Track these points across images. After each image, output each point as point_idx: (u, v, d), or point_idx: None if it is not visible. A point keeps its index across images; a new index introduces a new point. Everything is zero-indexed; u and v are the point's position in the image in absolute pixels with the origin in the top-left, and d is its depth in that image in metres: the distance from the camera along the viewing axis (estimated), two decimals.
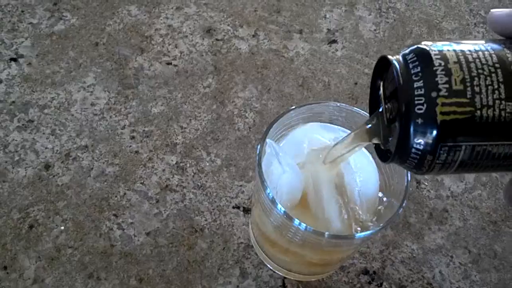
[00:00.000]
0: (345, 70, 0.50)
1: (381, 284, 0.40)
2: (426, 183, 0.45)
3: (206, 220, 0.40)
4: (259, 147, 0.32)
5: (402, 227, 0.42)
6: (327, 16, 0.54)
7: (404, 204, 0.31)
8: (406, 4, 0.56)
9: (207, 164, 0.43)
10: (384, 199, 0.34)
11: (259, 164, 0.32)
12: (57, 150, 0.42)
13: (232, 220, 0.41)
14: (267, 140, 0.32)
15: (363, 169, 0.34)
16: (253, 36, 0.51)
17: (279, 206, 0.31)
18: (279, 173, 0.32)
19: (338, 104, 0.36)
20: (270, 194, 0.31)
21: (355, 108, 0.35)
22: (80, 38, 0.48)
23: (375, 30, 0.54)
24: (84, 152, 0.42)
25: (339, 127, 0.36)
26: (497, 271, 0.42)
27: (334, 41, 0.52)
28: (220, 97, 0.47)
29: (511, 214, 0.44)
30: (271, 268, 0.39)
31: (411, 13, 0.55)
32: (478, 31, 0.55)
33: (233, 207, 0.41)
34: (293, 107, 0.34)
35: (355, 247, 0.36)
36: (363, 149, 0.34)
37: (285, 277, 0.39)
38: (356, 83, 0.50)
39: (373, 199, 0.34)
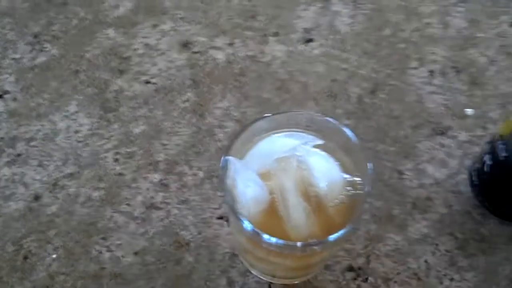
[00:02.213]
0: (323, 68, 0.51)
1: (367, 279, 0.40)
2: (408, 173, 0.45)
3: (191, 233, 0.42)
4: (222, 165, 0.33)
5: (385, 220, 0.43)
6: (302, 15, 0.54)
7: (367, 200, 0.32)
8: None
9: (190, 178, 0.44)
10: (350, 189, 0.35)
11: (224, 182, 0.33)
12: (45, 181, 0.44)
13: (217, 231, 0.42)
14: (228, 157, 0.33)
15: (327, 173, 0.35)
16: (230, 44, 0.52)
17: (246, 223, 0.32)
18: (243, 188, 0.33)
19: (299, 112, 0.36)
20: (237, 212, 0.32)
21: (315, 114, 0.36)
22: (61, 68, 0.50)
23: (351, 23, 0.54)
24: (71, 179, 0.44)
25: (302, 133, 0.37)
26: (485, 255, 0.42)
27: (311, 40, 0.52)
28: (200, 110, 0.48)
29: None
30: (256, 274, 0.40)
31: (387, 1, 0.55)
32: (457, 10, 0.54)
33: (217, 218, 0.42)
34: (253, 121, 0.35)
35: (331, 248, 0.36)
36: (325, 152, 0.35)
37: (271, 282, 0.40)
38: (334, 80, 0.50)
39: (340, 194, 0.35)
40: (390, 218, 0.43)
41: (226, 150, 0.33)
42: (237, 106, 0.48)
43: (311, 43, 0.52)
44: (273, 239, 0.32)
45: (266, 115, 0.35)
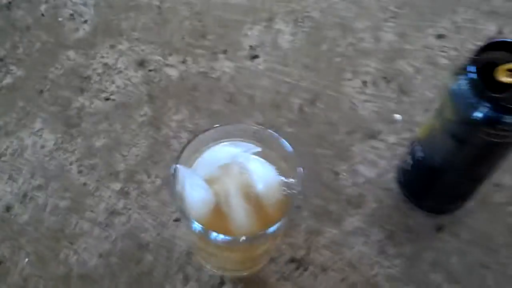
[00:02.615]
0: (268, 82, 0.56)
1: (307, 268, 0.46)
2: (343, 174, 0.51)
3: (151, 235, 0.47)
4: (172, 172, 0.38)
5: (323, 216, 0.49)
6: (249, 33, 0.60)
7: (299, 197, 0.38)
8: (320, 12, 0.62)
9: (149, 185, 0.49)
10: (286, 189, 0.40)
11: (174, 188, 0.38)
12: (15, 193, 0.48)
13: (174, 232, 0.47)
14: (177, 165, 0.38)
15: (265, 176, 0.40)
16: (182, 62, 0.57)
17: (195, 224, 0.37)
18: (191, 192, 0.38)
19: (241, 125, 0.42)
20: (187, 214, 0.37)
21: (256, 126, 0.41)
22: (26, 88, 0.54)
23: (292, 40, 0.59)
24: (39, 191, 0.48)
25: (244, 143, 0.42)
26: (411, 242, 0.48)
27: (256, 56, 0.58)
28: (156, 123, 0.53)
29: None
30: (210, 269, 0.45)
31: (325, 19, 0.61)
32: (388, 26, 0.61)
33: (174, 221, 0.47)
34: (198, 133, 0.40)
35: (272, 239, 0.42)
36: (263, 159, 0.40)
37: (222, 275, 0.45)
38: (278, 92, 0.55)
39: (277, 194, 0.40)
40: (328, 214, 0.49)
41: (176, 159, 0.38)
42: (190, 118, 0.53)
43: (256, 59, 0.58)
44: (220, 236, 0.37)
45: (214, 126, 0.40)
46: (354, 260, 0.47)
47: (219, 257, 0.43)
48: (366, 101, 0.55)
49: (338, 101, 0.55)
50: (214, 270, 0.45)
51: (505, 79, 0.36)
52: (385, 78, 0.57)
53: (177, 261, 0.46)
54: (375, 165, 0.52)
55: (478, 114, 0.36)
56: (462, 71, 0.37)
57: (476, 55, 0.37)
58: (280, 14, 0.61)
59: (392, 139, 0.53)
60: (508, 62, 0.37)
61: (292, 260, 0.46)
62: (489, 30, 0.61)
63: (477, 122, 0.37)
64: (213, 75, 0.56)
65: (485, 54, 0.38)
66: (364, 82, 0.56)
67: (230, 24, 0.60)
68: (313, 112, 0.54)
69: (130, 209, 0.48)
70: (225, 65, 0.57)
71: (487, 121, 0.36)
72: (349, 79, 0.57)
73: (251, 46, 0.59)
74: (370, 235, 0.48)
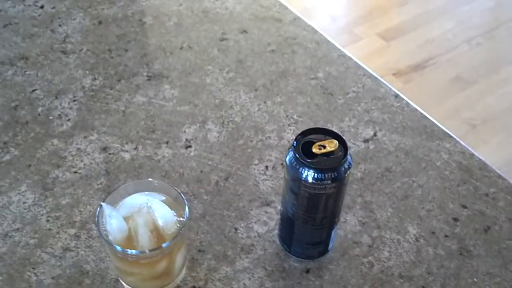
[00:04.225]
0: (195, 164, 0.76)
1: None
2: (241, 229, 0.69)
3: (91, 266, 0.64)
4: (98, 209, 0.57)
5: (222, 258, 0.66)
6: (186, 131, 0.81)
7: (185, 224, 0.56)
8: (241, 117, 0.83)
9: (95, 232, 0.67)
10: (178, 225, 0.58)
11: (99, 221, 0.57)
12: (0, 233, 0.67)
13: (108, 265, 0.64)
14: (103, 204, 0.57)
15: (165, 215, 0.59)
16: (134, 148, 0.78)
17: (116, 246, 0.55)
18: (110, 222, 0.57)
19: (154, 181, 0.61)
20: (109, 240, 0.55)
21: (166, 183, 0.61)
22: (19, 163, 0.75)
23: (218, 136, 0.80)
24: (17, 232, 0.67)
25: (154, 193, 0.61)
26: (284, 280, 0.64)
27: (190, 146, 0.79)
28: (108, 189, 0.72)
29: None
30: None
31: (244, 123, 0.83)
32: (290, 129, 0.82)
33: (109, 257, 0.65)
34: (122, 184, 0.60)
35: (168, 255, 0.58)
36: (166, 205, 0.59)
37: None
38: (201, 171, 0.75)
39: (173, 228, 0.58)
40: (225, 257, 0.66)
41: (103, 200, 0.57)
42: None
43: (189, 148, 0.78)
44: (134, 251, 0.55)
45: (134, 181, 0.60)
46: None
47: (133, 274, 0.60)
48: (265, 179, 0.75)
49: (245, 179, 0.75)
50: None
51: (316, 150, 0.57)
52: (282, 164, 0.76)
53: (107, 285, 0.63)
54: (266, 224, 0.70)
55: (301, 174, 0.56)
56: (292, 146, 0.57)
57: (299, 136, 0.58)
58: (212, 118, 0.83)
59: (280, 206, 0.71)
60: (319, 140, 0.57)
61: (194, 287, 0.63)
62: (366, 133, 0.82)
63: (300, 179, 0.56)
64: (155, 158, 0.77)
65: (307, 136, 0.58)
66: (266, 167, 0.76)
67: (174, 124, 0.82)
68: (225, 185, 0.74)
69: (79, 247, 0.66)
70: (165, 152, 0.78)
71: (305, 178, 0.56)
72: (256, 164, 0.77)
73: (187, 139, 0.80)
74: (254, 273, 0.65)
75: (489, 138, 1.87)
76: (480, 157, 0.79)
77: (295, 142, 0.58)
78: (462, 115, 1.96)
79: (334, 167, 0.57)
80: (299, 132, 0.59)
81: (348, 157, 0.58)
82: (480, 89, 2.07)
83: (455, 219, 0.71)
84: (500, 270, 0.65)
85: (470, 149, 0.80)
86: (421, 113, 0.86)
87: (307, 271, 0.65)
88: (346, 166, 0.57)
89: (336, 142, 0.58)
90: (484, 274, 0.65)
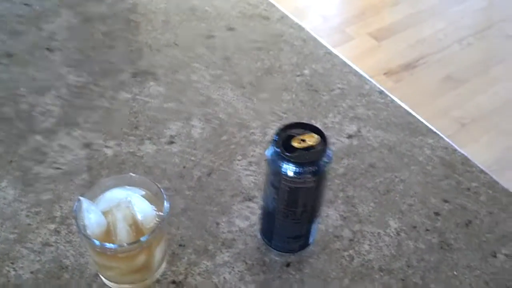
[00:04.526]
0: (178, 160, 0.76)
1: None
2: (223, 224, 0.69)
3: (70, 261, 0.64)
4: (76, 203, 0.57)
5: (202, 252, 0.66)
6: (171, 127, 0.81)
7: (164, 219, 0.56)
8: (226, 114, 0.83)
9: (75, 227, 0.67)
10: (158, 219, 0.58)
11: (77, 215, 0.56)
12: None
13: (87, 260, 0.64)
14: (81, 198, 0.57)
15: (144, 210, 0.58)
16: (117, 145, 0.78)
17: (95, 240, 0.55)
18: (88, 216, 0.57)
19: (134, 176, 0.61)
20: (87, 235, 0.55)
21: (146, 178, 0.61)
22: (1, 159, 0.75)
23: (201, 132, 0.80)
24: None
25: (134, 187, 0.61)
26: (264, 273, 0.64)
27: (173, 142, 0.79)
28: (90, 185, 0.72)
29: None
30: (108, 284, 0.62)
31: (229, 119, 0.83)
32: (274, 125, 0.82)
33: (88, 252, 0.65)
34: (102, 179, 0.59)
35: (146, 249, 0.58)
36: (145, 199, 0.59)
37: None
38: (184, 167, 0.75)
39: (152, 222, 0.58)
40: (206, 251, 0.66)
41: (81, 195, 0.57)
42: None
43: (173, 144, 0.78)
44: (112, 245, 0.55)
45: (114, 176, 0.60)
46: (219, 285, 0.63)
47: (112, 268, 0.60)
48: (248, 175, 0.75)
49: (228, 174, 0.75)
50: (110, 285, 0.62)
51: (297, 144, 0.56)
52: (265, 160, 0.76)
53: (86, 279, 0.62)
54: (248, 219, 0.70)
55: (281, 168, 0.56)
56: (273, 141, 0.57)
57: (280, 131, 0.58)
58: (197, 115, 0.83)
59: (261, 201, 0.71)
60: (299, 135, 0.57)
61: (173, 282, 0.63)
62: (350, 129, 0.82)
63: (280, 173, 0.56)
64: (138, 154, 0.77)
65: (288, 131, 0.58)
66: (250, 162, 0.76)
67: (159, 120, 0.82)
68: (208, 181, 0.74)
69: (58, 243, 0.65)
70: (148, 148, 0.77)
71: (285, 172, 0.56)
72: (239, 160, 0.77)
73: (170, 135, 0.79)
74: (235, 267, 0.65)
75: (478, 136, 1.88)
76: (463, 152, 0.79)
77: (276, 136, 0.58)
78: (452, 114, 1.96)
79: (314, 161, 0.57)
80: (281, 126, 0.59)
81: (328, 151, 0.58)
82: (471, 88, 2.07)
83: (437, 214, 0.71)
84: (480, 263, 0.65)
85: (453, 144, 0.80)
86: (406, 110, 0.86)
87: (288, 265, 0.65)
88: (326, 160, 0.57)
89: (316, 136, 0.58)
90: (464, 267, 0.65)
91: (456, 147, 0.80)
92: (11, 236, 0.66)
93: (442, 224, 0.69)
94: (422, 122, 0.84)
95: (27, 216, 0.68)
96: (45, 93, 0.85)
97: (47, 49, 0.94)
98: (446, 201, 0.72)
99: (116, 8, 1.04)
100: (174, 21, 1.02)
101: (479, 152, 1.77)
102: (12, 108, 0.83)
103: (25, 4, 1.03)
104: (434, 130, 0.82)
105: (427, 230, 0.69)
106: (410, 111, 0.86)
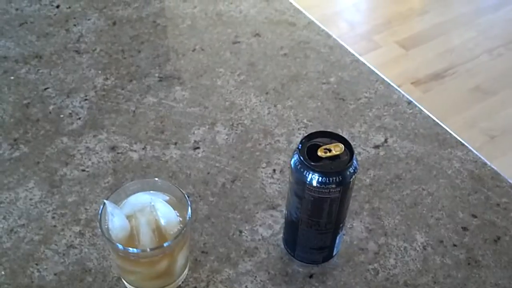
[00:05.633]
0: (202, 165, 0.76)
1: None
2: (246, 232, 0.68)
3: (94, 264, 0.64)
4: (101, 207, 0.57)
5: (225, 260, 0.65)
6: (195, 132, 0.81)
7: (187, 225, 0.55)
8: (251, 120, 0.83)
9: (99, 230, 0.67)
10: (181, 225, 0.58)
11: (101, 219, 0.57)
12: (5, 228, 0.67)
13: (110, 263, 0.64)
14: (106, 201, 0.57)
15: (167, 215, 0.58)
16: (143, 148, 0.78)
17: (118, 244, 0.55)
18: (113, 220, 0.57)
19: (159, 181, 0.61)
20: (111, 238, 0.55)
21: (171, 184, 0.61)
22: (28, 160, 0.75)
23: (227, 138, 0.80)
24: (22, 228, 0.67)
25: (158, 192, 0.61)
26: (287, 284, 0.63)
27: (198, 148, 0.78)
28: (115, 188, 0.72)
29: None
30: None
31: (253, 126, 0.82)
32: (299, 133, 0.81)
33: (111, 255, 0.65)
34: (127, 182, 0.59)
35: (169, 254, 0.58)
36: (169, 204, 0.59)
37: None
38: (208, 173, 0.75)
39: (175, 228, 0.58)
40: (228, 259, 0.65)
41: (106, 198, 0.57)
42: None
43: (197, 150, 0.78)
44: (135, 249, 0.55)
45: (138, 180, 0.60)
46: None
47: (135, 273, 0.60)
48: (272, 183, 0.74)
49: (252, 181, 0.74)
50: None
51: (322, 154, 0.56)
52: (289, 167, 0.76)
53: (109, 283, 0.62)
54: (271, 227, 0.69)
55: (305, 177, 0.55)
56: (297, 149, 0.57)
57: (304, 139, 0.57)
58: (221, 121, 0.83)
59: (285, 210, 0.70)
60: (325, 144, 0.56)
61: None
62: (377, 139, 0.81)
63: (304, 182, 0.55)
64: (163, 159, 0.77)
65: (313, 139, 0.57)
66: (274, 170, 0.76)
67: (183, 125, 0.82)
68: (232, 188, 0.73)
69: (83, 245, 0.66)
70: (173, 152, 0.77)
71: (310, 182, 0.55)
72: (263, 167, 0.76)
73: (195, 141, 0.79)
74: (257, 276, 0.64)
75: (508, 150, 1.84)
76: (493, 166, 0.77)
77: (300, 145, 0.57)
78: (481, 126, 1.93)
79: (339, 171, 0.56)
80: (306, 135, 0.58)
81: (354, 161, 0.57)
82: (500, 100, 2.03)
83: (464, 228, 0.69)
84: (509, 281, 0.63)
85: (482, 158, 0.78)
86: (434, 121, 0.84)
87: (311, 276, 0.64)
88: (352, 171, 0.56)
89: (342, 146, 0.57)
90: (492, 286, 0.63)
91: (485, 160, 0.78)
92: (36, 237, 0.66)
93: (470, 240, 0.68)
94: (451, 134, 0.82)
95: (53, 217, 0.69)
96: (72, 95, 0.86)
97: (76, 51, 0.95)
98: (474, 216, 0.70)
99: (144, 12, 1.04)
100: (200, 26, 1.02)
101: (508, 165, 1.73)
102: (40, 110, 0.84)
103: (55, 6, 1.04)
104: (463, 142, 0.80)
105: (455, 245, 0.67)
106: (439, 122, 0.84)
